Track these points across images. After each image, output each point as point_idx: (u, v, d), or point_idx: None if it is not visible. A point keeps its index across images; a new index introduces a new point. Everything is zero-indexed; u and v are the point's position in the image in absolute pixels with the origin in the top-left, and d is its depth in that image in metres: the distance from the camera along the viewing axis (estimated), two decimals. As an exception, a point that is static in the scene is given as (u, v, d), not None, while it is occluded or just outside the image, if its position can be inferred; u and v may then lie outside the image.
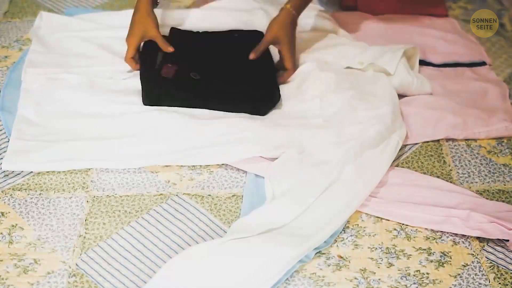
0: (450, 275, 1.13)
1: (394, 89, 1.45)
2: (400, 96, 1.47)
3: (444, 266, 1.14)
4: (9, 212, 1.19)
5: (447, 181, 1.31)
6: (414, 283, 1.11)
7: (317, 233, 1.14)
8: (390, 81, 1.46)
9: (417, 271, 1.13)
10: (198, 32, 1.58)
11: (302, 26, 1.59)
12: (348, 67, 1.52)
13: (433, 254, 1.16)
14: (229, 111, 1.38)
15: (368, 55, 1.51)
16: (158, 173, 1.28)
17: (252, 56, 1.45)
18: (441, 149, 1.39)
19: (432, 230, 1.20)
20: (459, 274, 1.13)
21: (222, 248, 1.08)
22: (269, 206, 1.18)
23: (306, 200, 1.19)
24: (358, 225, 1.20)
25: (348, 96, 1.40)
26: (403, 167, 1.34)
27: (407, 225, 1.21)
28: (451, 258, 1.16)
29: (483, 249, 1.17)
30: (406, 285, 1.10)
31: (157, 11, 1.65)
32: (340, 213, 1.18)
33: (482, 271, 1.14)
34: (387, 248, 1.16)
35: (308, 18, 1.66)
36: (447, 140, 1.41)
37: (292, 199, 1.19)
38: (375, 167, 1.26)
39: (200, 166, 1.30)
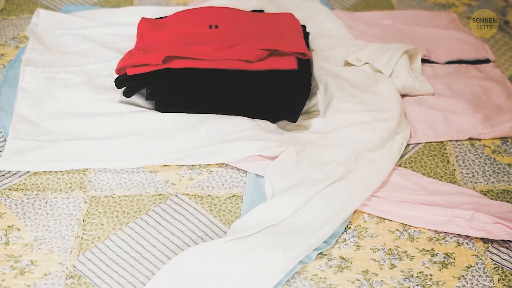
0: (453, 276, 1.11)
1: (397, 91, 1.43)
2: (403, 95, 1.46)
3: (447, 268, 1.13)
4: (5, 213, 1.18)
5: (450, 181, 1.29)
6: (417, 285, 1.09)
7: (317, 231, 1.12)
8: (393, 83, 1.44)
9: (420, 272, 1.12)
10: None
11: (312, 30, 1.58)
12: (346, 64, 1.50)
13: (437, 255, 1.15)
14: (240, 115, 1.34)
15: (367, 53, 1.49)
16: (157, 173, 1.27)
17: None
18: (445, 148, 1.37)
19: (435, 231, 1.19)
20: (463, 276, 1.12)
21: (222, 248, 1.07)
22: (268, 202, 1.16)
23: (306, 192, 1.17)
24: (360, 226, 1.19)
25: (351, 99, 1.38)
26: (406, 167, 1.32)
27: (410, 225, 1.19)
28: (454, 259, 1.14)
29: (488, 250, 1.16)
30: (409, 287, 1.09)
31: (156, 8, 1.64)
32: (340, 212, 1.16)
33: (486, 273, 1.12)
34: (390, 249, 1.15)
35: (315, 20, 1.65)
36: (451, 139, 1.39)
37: (291, 193, 1.17)
38: (378, 168, 1.25)
39: (200, 165, 1.29)
